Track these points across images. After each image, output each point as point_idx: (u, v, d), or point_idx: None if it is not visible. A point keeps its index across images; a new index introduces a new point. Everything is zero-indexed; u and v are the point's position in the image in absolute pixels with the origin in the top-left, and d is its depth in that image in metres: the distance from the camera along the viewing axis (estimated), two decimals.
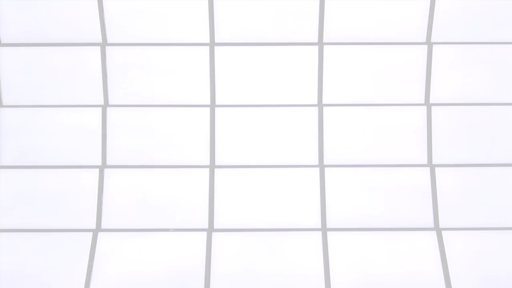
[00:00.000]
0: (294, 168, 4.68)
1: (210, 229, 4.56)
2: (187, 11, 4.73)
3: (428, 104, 4.73)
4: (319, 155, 4.69)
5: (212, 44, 4.74)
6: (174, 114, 4.73)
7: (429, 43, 4.73)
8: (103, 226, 4.58)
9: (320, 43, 4.73)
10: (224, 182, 4.65)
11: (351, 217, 4.60)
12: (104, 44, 4.74)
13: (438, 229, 4.56)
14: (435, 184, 4.62)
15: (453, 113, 4.73)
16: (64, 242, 4.52)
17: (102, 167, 4.67)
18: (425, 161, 4.69)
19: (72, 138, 4.70)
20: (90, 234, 4.55)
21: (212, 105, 4.74)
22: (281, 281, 4.40)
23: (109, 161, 4.71)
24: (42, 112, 4.73)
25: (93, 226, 4.58)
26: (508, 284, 4.39)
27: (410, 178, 4.66)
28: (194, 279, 4.42)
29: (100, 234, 4.55)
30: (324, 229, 4.55)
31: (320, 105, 4.73)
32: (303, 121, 4.74)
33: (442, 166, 4.67)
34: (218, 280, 4.42)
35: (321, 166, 4.67)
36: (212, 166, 4.68)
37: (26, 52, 4.74)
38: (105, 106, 4.73)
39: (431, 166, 4.67)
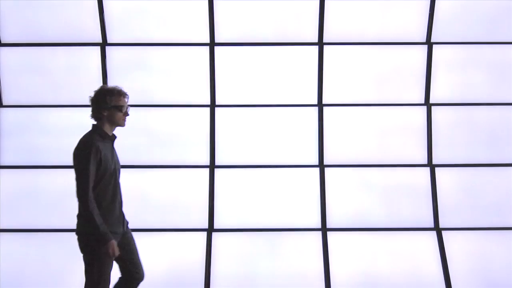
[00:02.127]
0: (294, 168, 4.68)
1: (210, 229, 4.56)
2: (187, 11, 4.73)
3: (428, 104, 4.73)
4: (319, 155, 4.69)
5: (212, 44, 4.74)
6: (174, 114, 4.72)
7: (429, 43, 4.73)
8: None
9: (320, 43, 4.73)
10: (224, 182, 4.65)
11: (351, 217, 4.60)
12: (104, 44, 4.74)
13: (438, 229, 4.56)
14: (435, 184, 4.62)
15: (453, 113, 4.73)
16: (64, 242, 4.52)
17: None
18: (425, 161, 4.69)
19: (72, 138, 4.66)
20: None
21: (212, 105, 4.73)
22: (281, 281, 4.40)
23: None
24: (42, 112, 4.72)
25: None
26: (507, 284, 4.39)
27: (410, 178, 4.66)
28: (194, 279, 4.42)
29: None
30: (324, 229, 4.55)
31: (320, 105, 4.73)
32: (303, 121, 4.74)
33: (442, 166, 4.67)
34: (218, 280, 4.42)
35: (321, 166, 4.67)
36: (212, 166, 4.68)
37: (26, 52, 4.74)
38: None
39: (431, 166, 4.66)
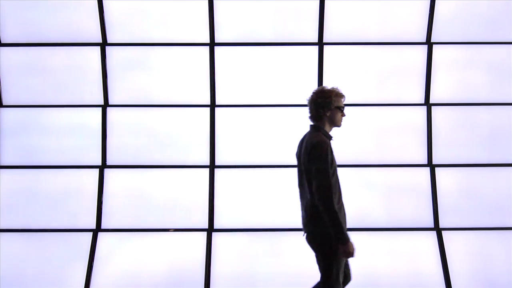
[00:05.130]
0: (294, 168, 4.67)
1: (210, 229, 4.57)
2: (187, 11, 4.73)
3: (428, 104, 4.73)
4: None
5: (212, 44, 4.74)
6: (174, 114, 4.73)
7: (429, 43, 4.73)
8: (103, 226, 4.59)
9: (320, 43, 4.73)
10: (224, 182, 4.65)
11: (351, 217, 4.58)
12: (104, 44, 4.74)
13: (438, 229, 4.56)
14: (435, 184, 4.62)
15: (453, 113, 4.73)
16: (64, 242, 4.52)
17: (102, 167, 4.67)
18: (425, 161, 4.69)
19: (72, 138, 4.70)
20: (90, 234, 4.55)
21: (212, 105, 4.73)
22: (281, 281, 4.41)
23: (109, 161, 4.71)
24: (42, 112, 4.73)
25: (93, 226, 4.58)
26: (507, 284, 4.40)
27: (410, 178, 4.66)
28: (194, 279, 4.42)
29: (100, 234, 4.56)
30: None
31: None
32: (303, 121, 4.73)
33: (442, 166, 4.67)
34: (218, 280, 4.42)
35: None
36: (212, 166, 4.68)
37: (26, 52, 4.75)
38: (105, 106, 4.74)
39: (431, 166, 4.67)
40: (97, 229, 4.57)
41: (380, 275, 4.43)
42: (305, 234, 3.02)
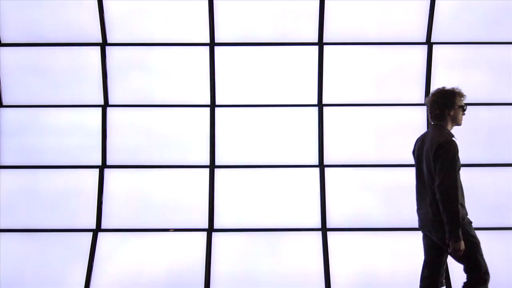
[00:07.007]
0: (294, 168, 4.68)
1: (210, 229, 4.57)
2: (187, 11, 4.73)
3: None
4: (319, 155, 4.69)
5: (212, 44, 4.74)
6: (174, 114, 4.73)
7: (429, 43, 4.73)
8: (103, 226, 4.59)
9: (320, 43, 4.73)
10: (224, 182, 4.65)
11: (351, 217, 4.60)
12: (104, 44, 4.74)
13: None
14: None
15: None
16: (64, 242, 4.52)
17: (102, 167, 4.67)
18: None
19: (72, 138, 4.70)
20: (90, 234, 4.55)
21: (212, 105, 4.73)
22: (281, 281, 4.41)
23: (109, 161, 4.71)
24: (42, 112, 4.73)
25: (93, 226, 4.58)
26: (507, 284, 4.39)
27: (410, 178, 4.64)
28: (194, 279, 4.42)
29: (100, 234, 4.56)
30: (324, 229, 4.55)
31: (320, 105, 4.73)
32: (303, 121, 4.74)
33: None
34: (218, 280, 4.42)
35: (321, 166, 4.67)
36: (212, 166, 4.68)
37: (26, 52, 4.74)
38: (105, 106, 4.74)
39: None
40: (97, 229, 4.57)
41: (380, 275, 4.43)
42: (430, 232, 3.09)
